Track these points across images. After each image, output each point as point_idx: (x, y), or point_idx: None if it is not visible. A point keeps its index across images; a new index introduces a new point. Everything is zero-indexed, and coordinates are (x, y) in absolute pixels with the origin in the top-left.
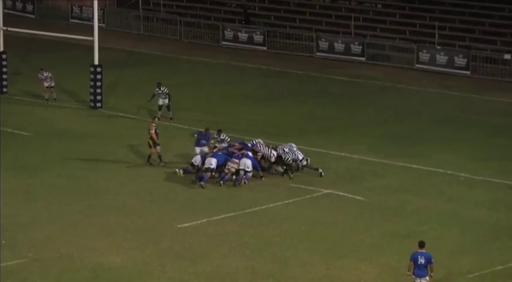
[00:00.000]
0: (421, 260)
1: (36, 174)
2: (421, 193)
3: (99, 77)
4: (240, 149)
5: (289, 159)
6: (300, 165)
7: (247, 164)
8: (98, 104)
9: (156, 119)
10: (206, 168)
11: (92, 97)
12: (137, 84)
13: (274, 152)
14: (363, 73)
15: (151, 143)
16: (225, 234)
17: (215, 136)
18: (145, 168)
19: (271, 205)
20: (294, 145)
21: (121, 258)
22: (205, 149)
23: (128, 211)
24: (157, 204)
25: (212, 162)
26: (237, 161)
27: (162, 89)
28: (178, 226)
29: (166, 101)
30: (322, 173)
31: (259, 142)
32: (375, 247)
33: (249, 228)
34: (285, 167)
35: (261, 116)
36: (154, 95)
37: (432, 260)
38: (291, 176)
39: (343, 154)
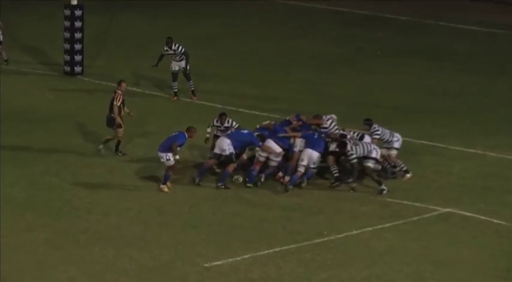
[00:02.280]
0: None
1: None
2: None
3: (78, 25)
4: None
5: (354, 155)
6: (380, 168)
7: (313, 157)
8: (77, 69)
9: (123, 84)
10: (214, 155)
11: (67, 57)
12: (138, 38)
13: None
14: (501, 19)
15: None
16: (280, 279)
17: (215, 123)
18: (148, 171)
19: (354, 232)
20: (379, 130)
21: None
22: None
23: (123, 240)
24: (170, 230)
25: (225, 146)
26: (277, 149)
27: (174, 47)
28: (206, 265)
29: (183, 64)
30: (384, 191)
31: (332, 117)
32: None
33: (319, 271)
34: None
35: (335, 88)
36: (162, 55)
37: None
38: (353, 186)
39: (471, 150)
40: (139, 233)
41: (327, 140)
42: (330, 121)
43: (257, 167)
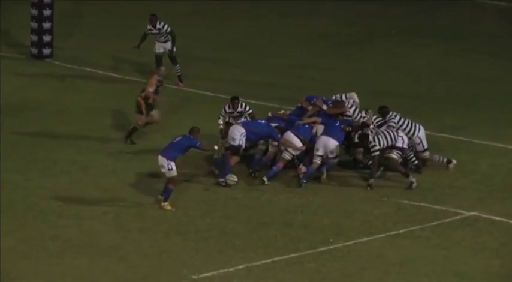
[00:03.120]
0: None
1: None
2: None
3: (47, 0)
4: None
5: (377, 146)
6: (407, 159)
7: (330, 145)
8: (46, 51)
9: (162, 69)
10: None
11: (35, 38)
12: (117, 15)
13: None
14: None
15: (143, 107)
16: None
17: (227, 110)
18: (127, 168)
19: (365, 239)
20: (395, 118)
21: None
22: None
23: (98, 248)
24: (153, 237)
25: (236, 135)
26: (298, 143)
27: (159, 25)
28: (194, 277)
29: (169, 46)
30: (414, 184)
31: (352, 98)
32: None
33: None
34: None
35: (343, 73)
36: (145, 35)
37: None
38: (370, 182)
39: (500, 145)
40: (117, 240)
41: (347, 129)
42: (353, 108)
43: (281, 165)
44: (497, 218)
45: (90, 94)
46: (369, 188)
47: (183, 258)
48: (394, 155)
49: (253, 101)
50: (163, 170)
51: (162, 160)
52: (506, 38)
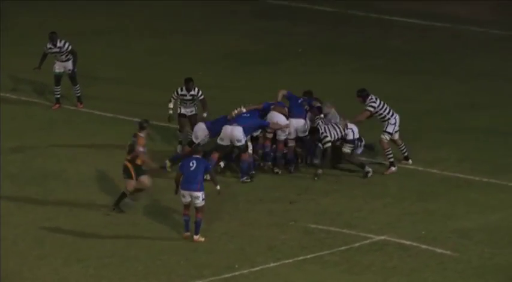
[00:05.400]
0: None
1: None
2: None
3: None
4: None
5: (328, 138)
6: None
7: (300, 127)
8: None
9: (145, 126)
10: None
11: None
12: (14, 31)
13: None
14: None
15: (131, 169)
16: None
17: (179, 92)
18: (25, 191)
19: (272, 264)
20: (376, 102)
21: None
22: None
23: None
24: (52, 263)
25: (240, 135)
26: (284, 121)
27: (60, 43)
28: None
29: (69, 65)
30: (369, 174)
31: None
32: None
33: None
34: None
35: (250, 93)
36: (45, 55)
37: None
38: (318, 172)
39: (410, 166)
40: (14, 267)
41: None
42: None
43: (282, 147)
44: (408, 242)
45: None
46: (316, 178)
47: None
48: (347, 149)
49: (155, 122)
50: (186, 199)
51: (194, 194)
52: (415, 55)
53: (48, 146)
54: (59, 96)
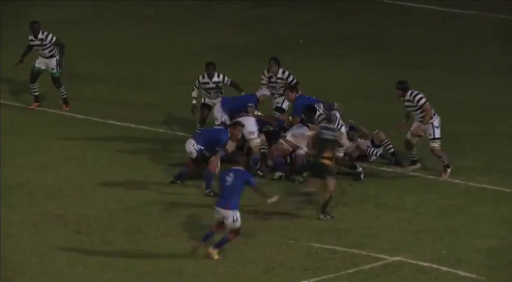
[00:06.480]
0: None
1: None
2: None
3: None
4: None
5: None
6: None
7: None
8: None
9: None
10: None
11: None
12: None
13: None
14: None
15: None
16: None
17: (201, 80)
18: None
19: None
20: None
21: None
22: None
23: None
24: None
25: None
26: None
27: (41, 35)
28: None
29: (53, 63)
30: (362, 175)
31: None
32: None
33: None
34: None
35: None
36: (30, 47)
37: None
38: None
39: (429, 176)
40: None
41: None
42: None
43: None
44: (426, 264)
45: None
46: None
47: None
48: (340, 153)
49: (133, 125)
50: (226, 223)
51: (223, 212)
52: (434, 48)
53: (9, 152)
54: (37, 93)
